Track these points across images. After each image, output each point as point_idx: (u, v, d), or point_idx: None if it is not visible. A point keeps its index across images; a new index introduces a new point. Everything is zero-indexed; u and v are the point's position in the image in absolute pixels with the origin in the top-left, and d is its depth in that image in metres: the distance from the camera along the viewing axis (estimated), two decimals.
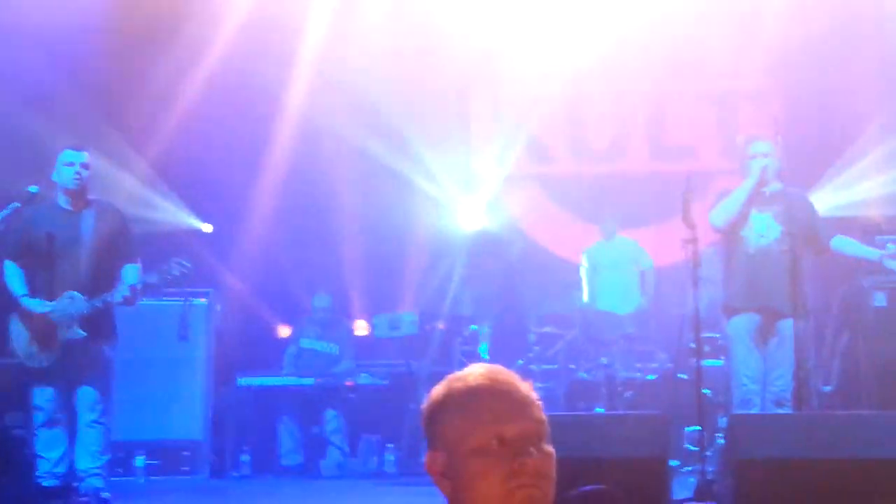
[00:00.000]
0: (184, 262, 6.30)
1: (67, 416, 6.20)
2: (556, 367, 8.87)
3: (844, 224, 7.84)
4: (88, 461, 6.17)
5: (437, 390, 2.16)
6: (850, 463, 4.45)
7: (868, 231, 8.23)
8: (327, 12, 9.07)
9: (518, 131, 10.54)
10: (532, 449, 2.06)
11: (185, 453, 8.23)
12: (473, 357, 8.95)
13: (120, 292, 6.10)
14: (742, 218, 6.67)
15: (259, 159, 9.30)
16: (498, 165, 10.50)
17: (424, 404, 2.17)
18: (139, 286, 6.18)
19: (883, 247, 7.12)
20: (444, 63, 9.71)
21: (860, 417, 6.06)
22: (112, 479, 6.54)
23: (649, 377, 8.37)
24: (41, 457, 6.14)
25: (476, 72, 10.29)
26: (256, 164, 9.32)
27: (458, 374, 2.17)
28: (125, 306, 6.23)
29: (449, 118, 10.44)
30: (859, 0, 9.36)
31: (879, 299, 8.08)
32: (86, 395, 6.15)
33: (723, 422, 6.86)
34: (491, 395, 2.11)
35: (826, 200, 8.82)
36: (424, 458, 2.14)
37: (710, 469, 5.63)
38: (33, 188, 6.03)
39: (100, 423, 6.21)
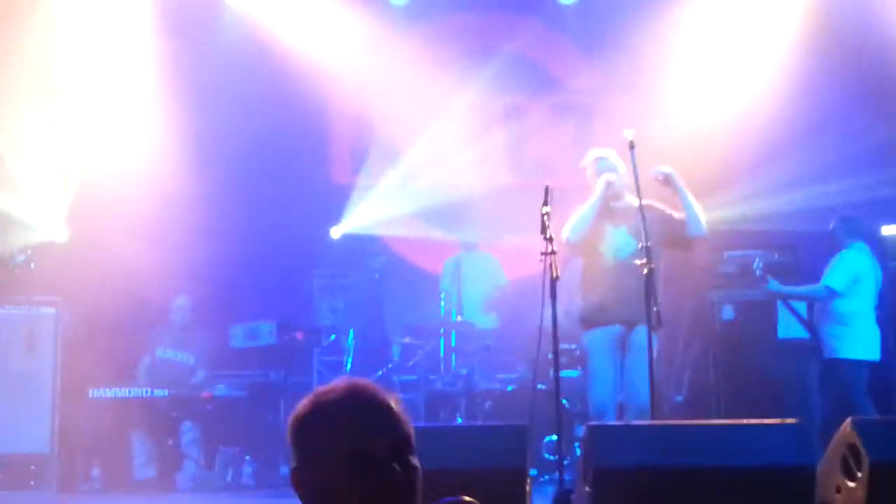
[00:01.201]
0: (24, 251, 6.19)
1: None
2: (415, 377, 8.91)
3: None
4: None
5: (303, 404, 2.14)
6: (701, 471, 4.54)
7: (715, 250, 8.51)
8: None
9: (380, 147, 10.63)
10: (395, 465, 2.06)
11: (32, 467, 8.02)
12: (333, 367, 8.96)
13: None
14: (597, 233, 6.78)
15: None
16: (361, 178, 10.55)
17: (290, 418, 2.13)
18: None
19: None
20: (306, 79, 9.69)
21: (710, 427, 6.18)
22: None
23: (508, 388, 8.45)
24: None
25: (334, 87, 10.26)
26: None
27: (324, 388, 2.16)
28: None
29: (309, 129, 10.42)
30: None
31: (727, 312, 8.43)
32: None
33: (580, 431, 6.92)
34: (356, 411, 2.11)
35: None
36: (290, 473, 2.10)
37: (568, 478, 5.87)
38: None
39: None
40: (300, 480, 2.10)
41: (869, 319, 7.92)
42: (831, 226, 8.13)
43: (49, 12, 8.90)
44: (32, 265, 6.36)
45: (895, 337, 8.14)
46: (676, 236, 6.78)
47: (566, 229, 6.70)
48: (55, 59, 8.95)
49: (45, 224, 8.76)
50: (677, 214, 6.83)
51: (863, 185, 8.92)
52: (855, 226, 8.09)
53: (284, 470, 7.72)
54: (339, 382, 2.16)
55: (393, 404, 2.14)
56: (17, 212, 8.65)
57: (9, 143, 8.62)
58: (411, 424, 2.16)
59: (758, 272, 8.12)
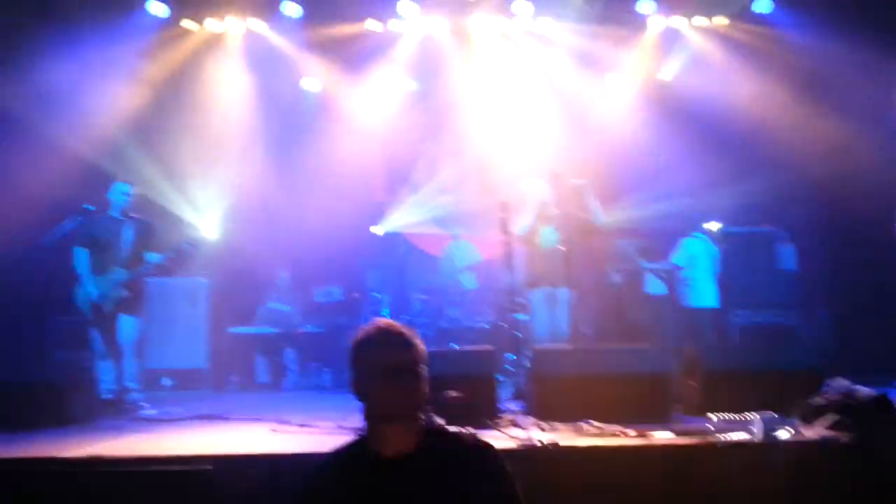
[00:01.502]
0: (190, 242, 6.33)
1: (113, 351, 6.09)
2: (427, 320, 8.81)
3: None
4: (130, 382, 6.07)
5: (357, 335, 2.21)
6: (606, 376, 4.50)
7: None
8: None
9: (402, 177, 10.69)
10: (407, 374, 2.11)
11: (195, 376, 8.10)
12: (376, 314, 9.00)
13: (144, 267, 6.12)
14: (535, 230, 6.74)
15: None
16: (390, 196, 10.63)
17: (352, 342, 2.20)
18: (158, 263, 6.18)
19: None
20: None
21: (609, 349, 6.22)
22: (147, 393, 6.41)
23: (484, 326, 8.43)
24: (101, 379, 6.01)
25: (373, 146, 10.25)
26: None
27: (367, 324, 2.22)
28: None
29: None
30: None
31: (616, 278, 8.40)
32: (127, 326, 6.08)
33: (528, 352, 7.06)
34: (382, 339, 2.15)
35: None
36: (350, 381, 2.18)
37: (521, 381, 5.71)
38: (87, 206, 6.05)
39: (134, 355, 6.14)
40: (353, 384, 2.17)
41: (707, 282, 7.75)
42: (675, 222, 8.07)
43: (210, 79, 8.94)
44: (193, 250, 6.45)
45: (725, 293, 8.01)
46: (586, 226, 6.66)
47: (518, 227, 6.63)
48: (215, 113, 8.93)
49: (204, 225, 8.74)
50: (586, 212, 6.76)
51: (696, 199, 9.04)
52: (691, 223, 8.02)
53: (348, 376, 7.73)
54: (375, 321, 2.23)
55: (411, 334, 2.20)
56: (188, 217, 8.70)
57: (186, 170, 8.61)
58: (425, 347, 2.19)
59: (634, 254, 8.21)
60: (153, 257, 6.18)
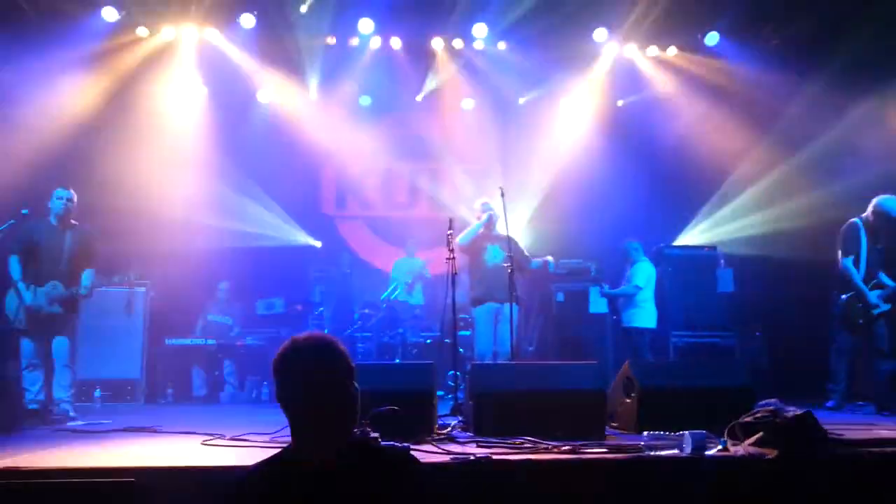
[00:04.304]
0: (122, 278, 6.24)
1: (43, 362, 5.92)
2: (370, 334, 8.88)
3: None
4: (62, 392, 5.89)
5: (283, 346, 2.12)
6: (543, 393, 4.50)
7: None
8: None
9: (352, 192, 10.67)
10: (344, 386, 2.06)
11: (129, 387, 7.92)
12: (320, 328, 8.94)
13: (80, 290, 5.99)
14: (480, 247, 6.81)
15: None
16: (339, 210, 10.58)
17: (276, 355, 2.11)
18: (90, 287, 6.05)
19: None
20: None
21: (553, 365, 6.31)
22: (76, 404, 6.24)
23: (427, 341, 8.49)
24: (27, 389, 5.83)
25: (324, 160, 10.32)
26: None
27: (295, 336, 2.12)
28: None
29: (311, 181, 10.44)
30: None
31: (560, 297, 8.44)
32: (60, 345, 5.90)
33: (468, 368, 7.08)
34: (316, 351, 2.09)
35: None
36: (276, 394, 2.12)
37: (461, 396, 5.74)
38: (24, 210, 5.85)
39: (68, 367, 5.96)
40: (281, 396, 2.10)
41: (651, 303, 7.96)
42: (625, 245, 8.20)
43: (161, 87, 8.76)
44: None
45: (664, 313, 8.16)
46: (519, 262, 6.73)
47: (460, 237, 6.70)
48: (164, 120, 8.80)
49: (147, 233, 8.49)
50: (524, 254, 7.01)
51: (645, 222, 9.25)
52: (640, 247, 8.19)
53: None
54: (304, 334, 2.13)
55: (341, 347, 2.11)
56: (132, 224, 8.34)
57: (132, 178, 8.30)
58: (353, 361, 2.11)
59: (593, 274, 8.26)
60: (88, 277, 6.03)
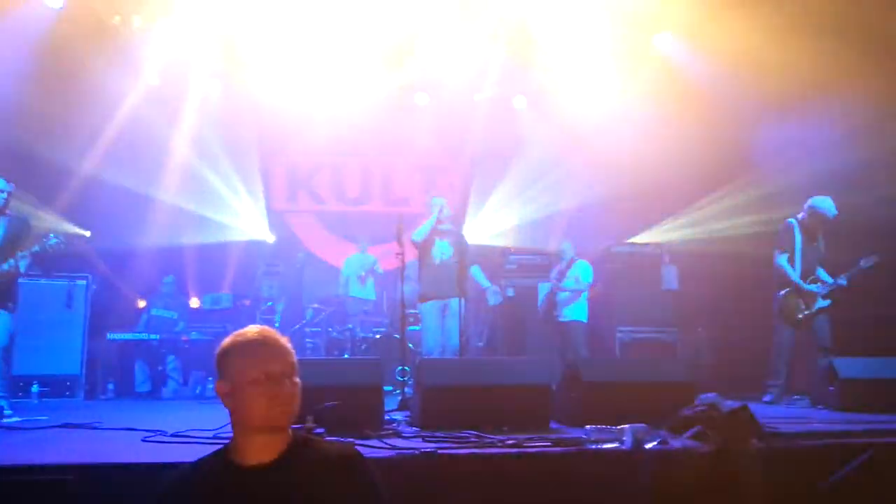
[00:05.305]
0: (57, 235, 5.92)
1: None
2: (320, 329, 8.83)
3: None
4: None
5: (226, 340, 2.11)
6: (489, 387, 4.52)
7: (504, 254, 8.78)
8: None
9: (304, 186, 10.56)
10: (287, 381, 2.06)
11: (68, 383, 7.71)
12: (269, 323, 8.83)
13: (17, 259, 5.69)
14: (430, 243, 6.83)
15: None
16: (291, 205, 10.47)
17: (219, 348, 2.09)
18: (20, 260, 5.72)
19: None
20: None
21: (499, 360, 6.39)
22: (12, 401, 6.04)
23: (377, 336, 8.44)
24: None
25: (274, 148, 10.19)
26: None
27: (240, 330, 2.12)
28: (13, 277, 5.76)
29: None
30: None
31: (510, 291, 8.42)
32: None
33: (417, 363, 7.10)
34: (261, 345, 2.08)
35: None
36: (215, 386, 2.11)
37: (409, 391, 5.71)
38: None
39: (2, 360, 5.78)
40: (222, 390, 2.10)
41: (584, 298, 7.97)
42: (563, 245, 8.22)
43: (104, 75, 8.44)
44: (61, 245, 6.02)
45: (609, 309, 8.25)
46: (467, 263, 6.85)
47: (414, 233, 6.77)
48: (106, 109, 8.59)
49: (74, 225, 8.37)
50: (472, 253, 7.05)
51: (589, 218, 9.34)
52: (585, 243, 8.32)
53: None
54: (250, 327, 2.12)
55: (285, 342, 2.11)
56: (67, 215, 8.34)
57: (73, 167, 8.13)
58: (295, 356, 2.12)
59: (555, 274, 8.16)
60: (23, 254, 5.81)
